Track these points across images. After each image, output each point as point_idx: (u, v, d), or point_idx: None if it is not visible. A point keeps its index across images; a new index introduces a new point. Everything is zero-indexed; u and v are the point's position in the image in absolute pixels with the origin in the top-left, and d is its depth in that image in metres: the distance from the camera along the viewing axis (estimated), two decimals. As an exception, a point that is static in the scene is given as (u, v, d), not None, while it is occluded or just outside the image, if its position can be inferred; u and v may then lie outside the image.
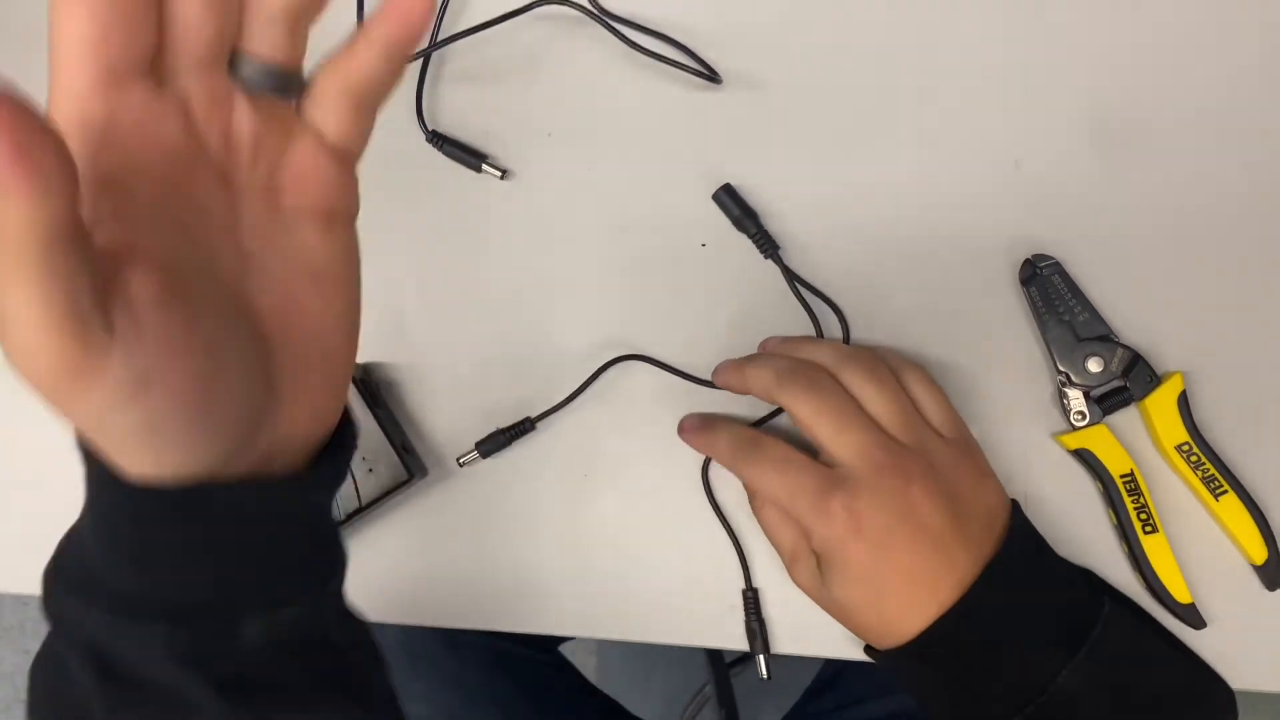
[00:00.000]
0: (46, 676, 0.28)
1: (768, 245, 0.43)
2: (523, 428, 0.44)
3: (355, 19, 0.46)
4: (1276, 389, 0.41)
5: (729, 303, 0.44)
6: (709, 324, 0.44)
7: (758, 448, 0.38)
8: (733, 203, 0.43)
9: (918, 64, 0.44)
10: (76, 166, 0.19)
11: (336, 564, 0.29)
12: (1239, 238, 0.42)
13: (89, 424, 0.22)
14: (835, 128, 0.44)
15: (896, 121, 0.44)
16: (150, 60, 0.21)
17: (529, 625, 0.44)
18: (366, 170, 0.47)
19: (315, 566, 0.28)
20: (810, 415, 0.36)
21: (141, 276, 0.21)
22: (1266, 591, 0.40)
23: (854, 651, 0.41)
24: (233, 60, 0.23)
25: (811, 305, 0.43)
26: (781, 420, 0.43)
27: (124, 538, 0.24)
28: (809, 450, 0.38)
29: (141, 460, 0.23)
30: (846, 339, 0.43)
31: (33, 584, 0.47)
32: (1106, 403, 0.41)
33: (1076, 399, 0.41)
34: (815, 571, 0.37)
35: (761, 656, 0.42)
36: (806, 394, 0.37)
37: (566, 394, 0.44)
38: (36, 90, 0.21)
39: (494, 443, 0.43)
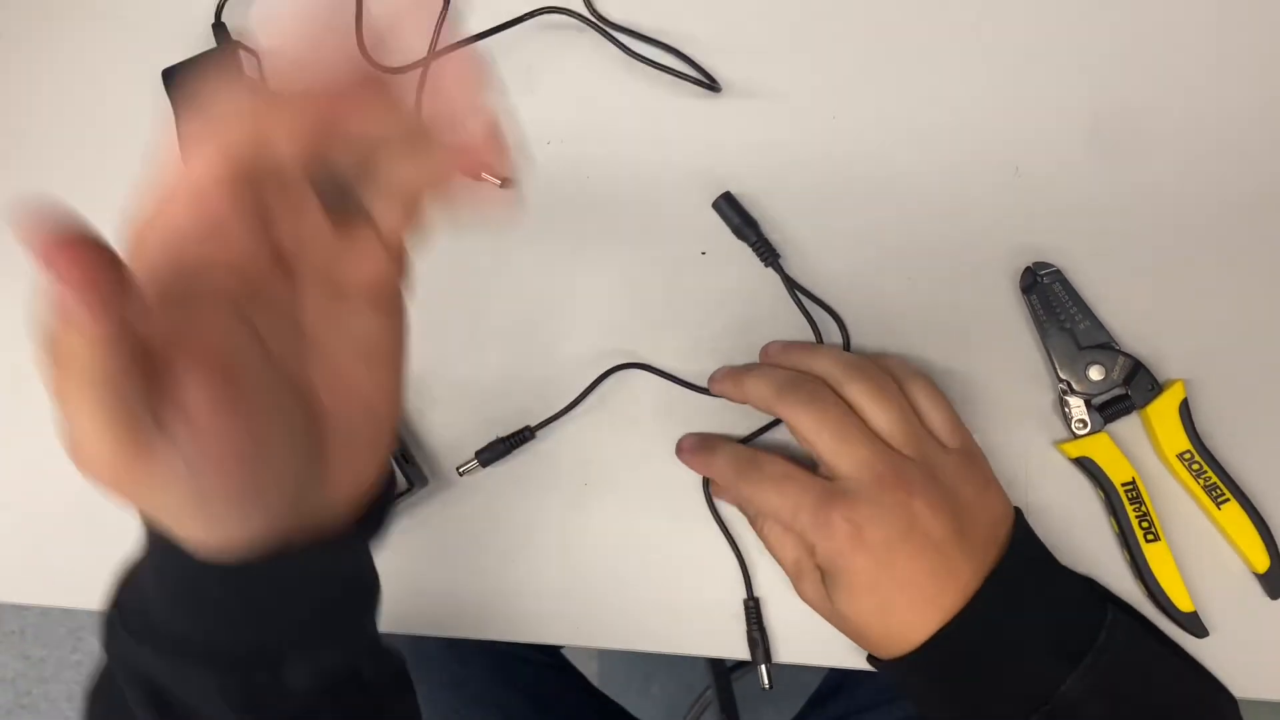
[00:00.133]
0: (105, 707, 0.30)
1: (768, 253, 0.43)
2: (522, 436, 0.43)
3: (354, 21, 0.46)
4: (1278, 397, 0.41)
5: (729, 310, 0.44)
6: (709, 332, 0.44)
7: (757, 466, 0.38)
8: (732, 211, 0.43)
9: (917, 71, 0.44)
10: (142, 293, 0.20)
11: (373, 601, 0.31)
12: (1240, 245, 0.42)
13: (142, 504, 0.24)
14: (834, 135, 0.44)
15: (896, 129, 0.44)
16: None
17: (529, 635, 0.44)
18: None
19: (355, 608, 0.30)
20: (810, 428, 0.36)
21: (197, 381, 0.22)
22: (1269, 600, 0.40)
23: (857, 661, 0.41)
24: (310, 169, 0.23)
25: (812, 313, 0.43)
26: (779, 432, 0.43)
27: (180, 594, 0.26)
28: (808, 464, 0.38)
29: (193, 529, 0.24)
30: (847, 347, 0.43)
31: (30, 594, 0.47)
32: (1108, 411, 0.41)
33: (1078, 407, 0.41)
34: (820, 586, 0.37)
35: (764, 666, 0.42)
36: (806, 407, 0.37)
37: (566, 402, 0.44)
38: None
39: (494, 451, 0.43)
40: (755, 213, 0.44)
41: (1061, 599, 0.38)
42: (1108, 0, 0.43)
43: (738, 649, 0.43)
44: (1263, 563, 0.40)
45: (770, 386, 0.38)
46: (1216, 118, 0.43)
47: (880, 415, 0.37)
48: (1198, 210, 0.42)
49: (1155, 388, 0.41)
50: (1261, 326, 0.42)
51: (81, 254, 0.19)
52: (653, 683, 1.17)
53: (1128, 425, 0.42)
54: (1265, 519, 0.40)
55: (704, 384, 0.43)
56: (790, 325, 0.43)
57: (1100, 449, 0.41)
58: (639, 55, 0.44)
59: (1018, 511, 0.39)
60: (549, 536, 0.44)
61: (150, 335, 0.21)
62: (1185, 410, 0.40)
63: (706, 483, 0.43)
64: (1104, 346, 0.41)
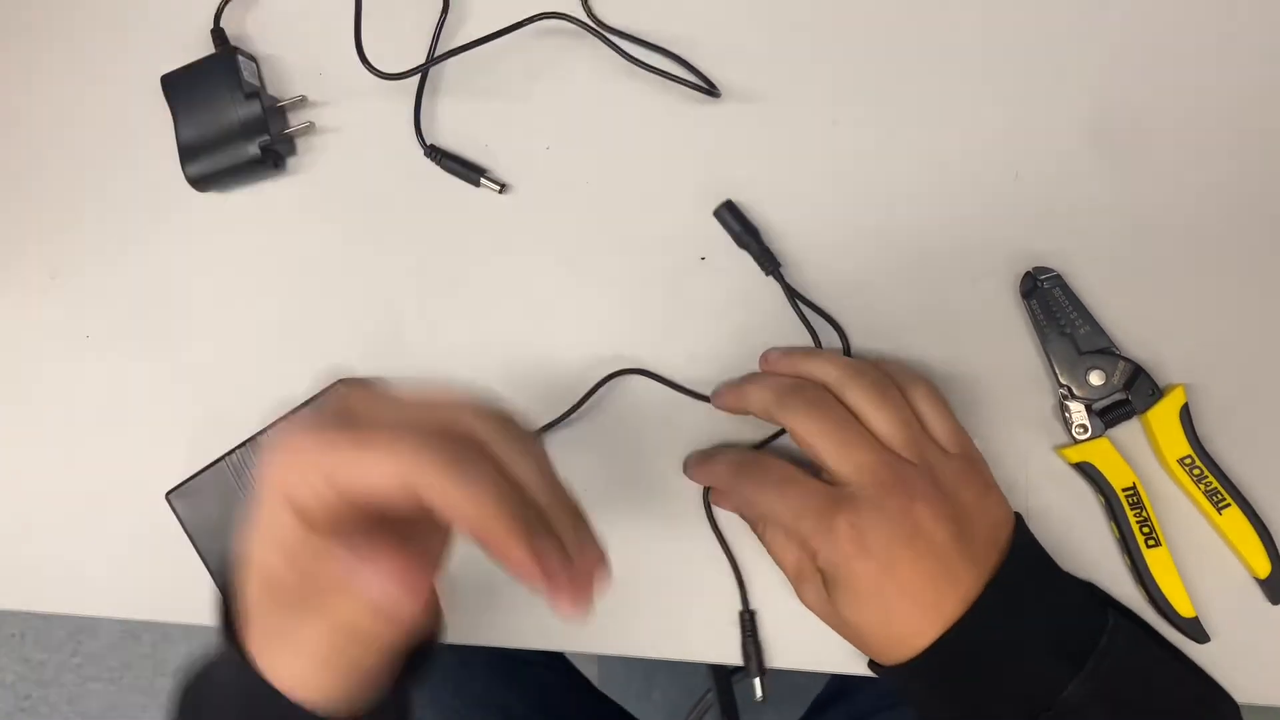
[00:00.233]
0: None
1: (769, 262, 0.43)
2: (522, 443, 0.43)
3: (354, 22, 0.46)
4: (1279, 401, 0.41)
5: (729, 315, 0.44)
6: (708, 337, 0.44)
7: (759, 468, 0.38)
8: (734, 219, 0.43)
9: (917, 77, 0.44)
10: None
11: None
12: (1241, 250, 0.42)
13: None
14: (833, 140, 0.44)
15: (895, 134, 0.44)
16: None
17: (528, 641, 0.44)
18: (365, 185, 0.48)
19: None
20: (812, 434, 0.36)
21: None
22: (1270, 605, 0.40)
23: (855, 666, 0.41)
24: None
25: (812, 322, 0.43)
26: (782, 442, 0.43)
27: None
28: (811, 469, 0.38)
29: (289, 677, 0.30)
30: (847, 353, 0.43)
31: (27, 601, 0.47)
32: (1108, 416, 0.41)
33: (1078, 412, 0.41)
34: (822, 590, 0.37)
35: (757, 679, 0.42)
36: (808, 413, 0.36)
37: (565, 407, 0.44)
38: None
39: (493, 458, 0.43)
40: (753, 217, 0.44)
41: (1063, 604, 0.38)
42: (1108, 4, 0.43)
43: (732, 655, 0.42)
44: (1264, 568, 0.40)
45: (771, 393, 0.38)
46: (1217, 123, 0.42)
47: (881, 420, 0.37)
48: (1198, 215, 0.42)
49: (1156, 393, 0.41)
50: (1262, 331, 0.41)
51: (415, 573, 0.27)
52: (654, 686, 1.17)
53: (1128, 430, 0.41)
54: (1266, 524, 0.40)
55: (703, 388, 0.43)
56: (790, 329, 0.43)
57: (1101, 454, 0.40)
58: (638, 60, 0.44)
59: (1018, 517, 0.39)
60: (549, 542, 0.44)
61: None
62: (1186, 415, 0.40)
63: (706, 491, 0.43)
64: (1104, 351, 0.41)
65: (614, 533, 0.44)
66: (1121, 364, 0.41)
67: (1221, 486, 0.40)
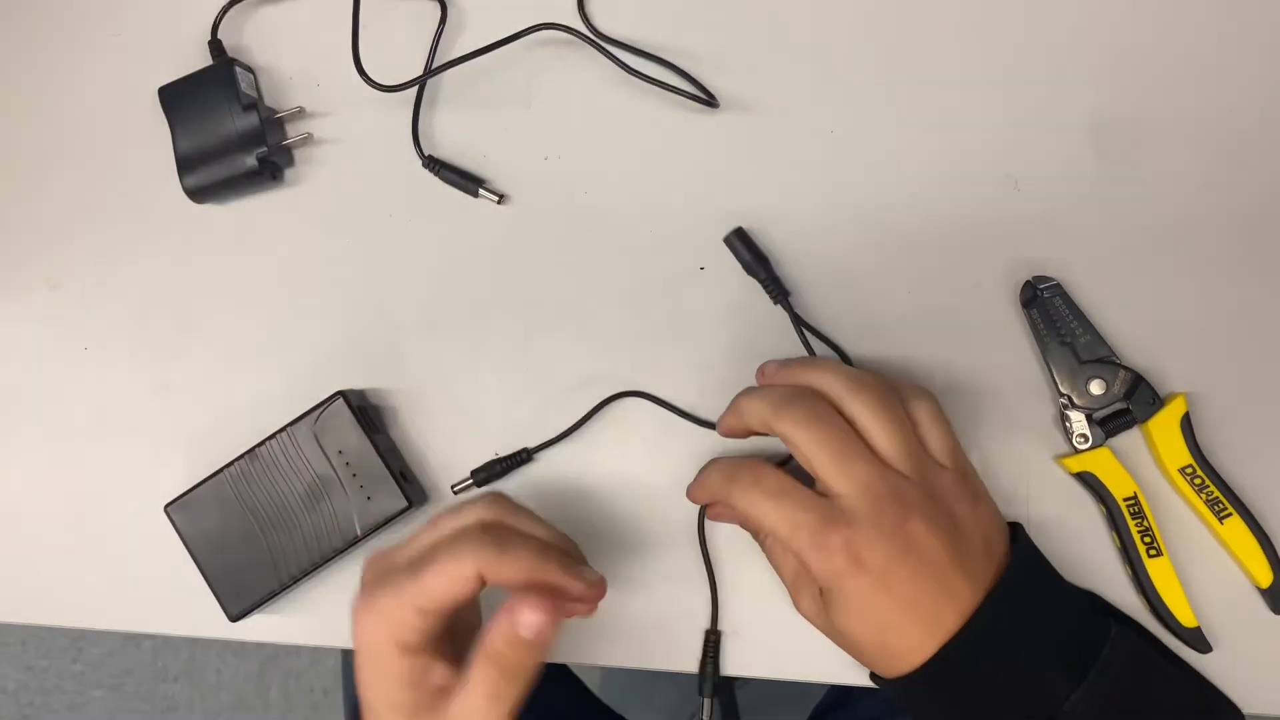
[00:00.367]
0: None
1: (778, 291, 0.43)
2: (520, 458, 0.43)
3: (351, 34, 0.46)
4: (1280, 409, 0.41)
5: (729, 326, 0.44)
6: (708, 348, 0.44)
7: (750, 476, 0.37)
8: (744, 247, 0.43)
9: (915, 86, 0.44)
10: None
11: None
12: (1241, 258, 0.42)
13: None
14: (832, 150, 0.44)
15: (894, 144, 0.44)
16: None
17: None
18: (363, 196, 0.48)
19: None
20: (808, 446, 0.36)
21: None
22: (1272, 614, 0.40)
23: (856, 677, 0.41)
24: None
25: (816, 349, 0.43)
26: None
27: None
28: (804, 477, 0.38)
29: None
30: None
31: (27, 613, 0.47)
32: (1109, 425, 0.41)
33: (1079, 421, 0.41)
34: (818, 602, 0.37)
35: (707, 700, 0.42)
36: (805, 423, 0.36)
37: (561, 420, 0.44)
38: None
39: (490, 471, 0.43)
40: (747, 223, 0.44)
41: (1063, 614, 0.38)
42: (1107, 12, 0.43)
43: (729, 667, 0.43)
44: (1266, 577, 0.40)
45: (766, 404, 0.37)
46: (1217, 132, 0.42)
47: (881, 433, 0.36)
48: (1199, 223, 0.42)
49: (1156, 402, 0.41)
50: (1263, 339, 0.41)
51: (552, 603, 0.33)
52: (655, 692, 1.17)
53: (1129, 439, 0.41)
54: (1268, 533, 0.40)
55: (700, 405, 0.43)
56: (790, 336, 0.43)
57: (1102, 463, 0.40)
58: (635, 71, 0.44)
59: (1019, 526, 0.38)
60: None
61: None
62: (1187, 424, 0.40)
63: (702, 511, 0.43)
64: (1105, 360, 0.41)
65: (606, 546, 0.44)
66: (1122, 373, 0.41)
67: (1223, 495, 0.40)
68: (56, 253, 0.48)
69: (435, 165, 0.45)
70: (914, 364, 0.43)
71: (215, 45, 0.47)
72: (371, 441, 0.42)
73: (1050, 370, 0.41)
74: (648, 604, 0.43)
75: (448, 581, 0.33)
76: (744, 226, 0.43)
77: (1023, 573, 0.37)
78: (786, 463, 0.41)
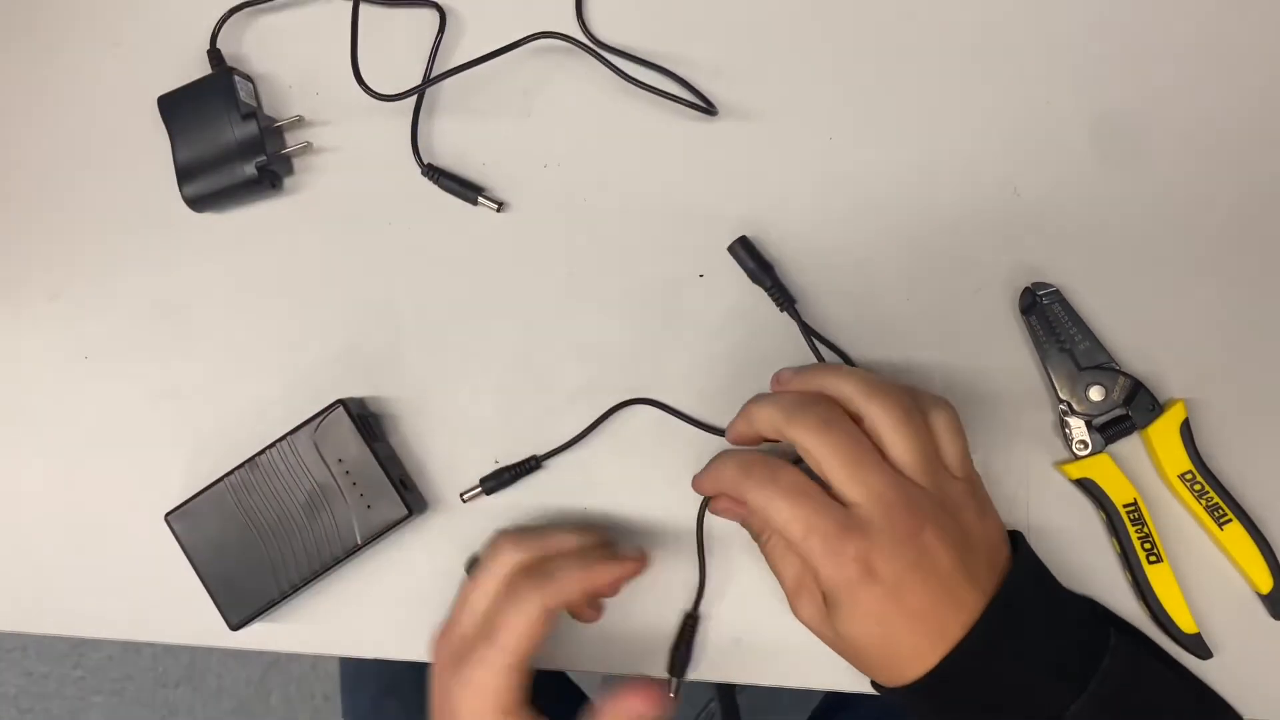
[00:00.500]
0: None
1: (784, 299, 0.43)
2: (529, 466, 0.43)
3: (350, 43, 0.46)
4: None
5: (730, 332, 0.44)
6: (709, 353, 0.44)
7: (768, 471, 0.36)
8: (748, 255, 0.43)
9: (914, 93, 0.44)
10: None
11: None
12: (1240, 265, 0.42)
13: None
14: (831, 157, 0.44)
15: (893, 151, 0.44)
16: None
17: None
18: (362, 205, 0.48)
19: None
20: (821, 452, 0.35)
21: None
22: (1272, 620, 0.40)
23: (855, 684, 0.41)
24: None
25: (824, 357, 0.43)
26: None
27: None
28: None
29: None
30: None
31: (27, 622, 0.47)
32: (1108, 431, 0.41)
33: (1078, 428, 0.41)
34: (820, 608, 0.37)
35: (674, 680, 0.42)
36: (818, 429, 0.35)
37: (562, 427, 0.44)
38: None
39: (499, 480, 0.43)
40: (746, 230, 0.44)
41: (1064, 623, 0.37)
42: (1106, 19, 0.43)
43: (724, 674, 0.43)
44: (1266, 583, 0.40)
45: (779, 409, 0.37)
46: (1217, 138, 0.42)
47: (900, 441, 0.35)
48: (1197, 230, 0.42)
49: (1156, 408, 0.41)
50: (1263, 346, 0.41)
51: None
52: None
53: (1129, 446, 0.41)
54: (1268, 539, 0.40)
55: (707, 413, 0.42)
56: (793, 340, 0.43)
57: (1101, 470, 0.40)
58: (634, 79, 0.44)
59: (1020, 535, 0.38)
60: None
61: None
62: (1186, 430, 0.40)
63: (704, 504, 0.43)
64: (1104, 367, 0.41)
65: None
66: (1121, 379, 0.41)
67: (1223, 502, 0.40)
68: (56, 262, 0.48)
69: (434, 173, 0.45)
70: (914, 369, 0.43)
71: (214, 54, 0.47)
72: (371, 450, 0.42)
73: (1050, 376, 0.41)
74: (651, 609, 0.43)
75: (525, 632, 0.36)
76: (747, 235, 0.43)
77: (1024, 582, 0.37)
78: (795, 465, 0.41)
